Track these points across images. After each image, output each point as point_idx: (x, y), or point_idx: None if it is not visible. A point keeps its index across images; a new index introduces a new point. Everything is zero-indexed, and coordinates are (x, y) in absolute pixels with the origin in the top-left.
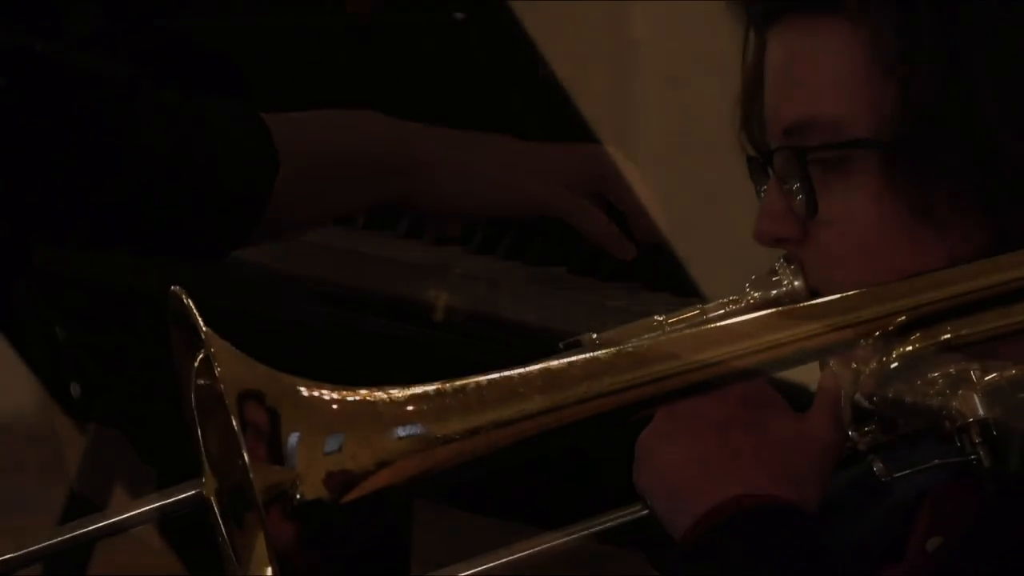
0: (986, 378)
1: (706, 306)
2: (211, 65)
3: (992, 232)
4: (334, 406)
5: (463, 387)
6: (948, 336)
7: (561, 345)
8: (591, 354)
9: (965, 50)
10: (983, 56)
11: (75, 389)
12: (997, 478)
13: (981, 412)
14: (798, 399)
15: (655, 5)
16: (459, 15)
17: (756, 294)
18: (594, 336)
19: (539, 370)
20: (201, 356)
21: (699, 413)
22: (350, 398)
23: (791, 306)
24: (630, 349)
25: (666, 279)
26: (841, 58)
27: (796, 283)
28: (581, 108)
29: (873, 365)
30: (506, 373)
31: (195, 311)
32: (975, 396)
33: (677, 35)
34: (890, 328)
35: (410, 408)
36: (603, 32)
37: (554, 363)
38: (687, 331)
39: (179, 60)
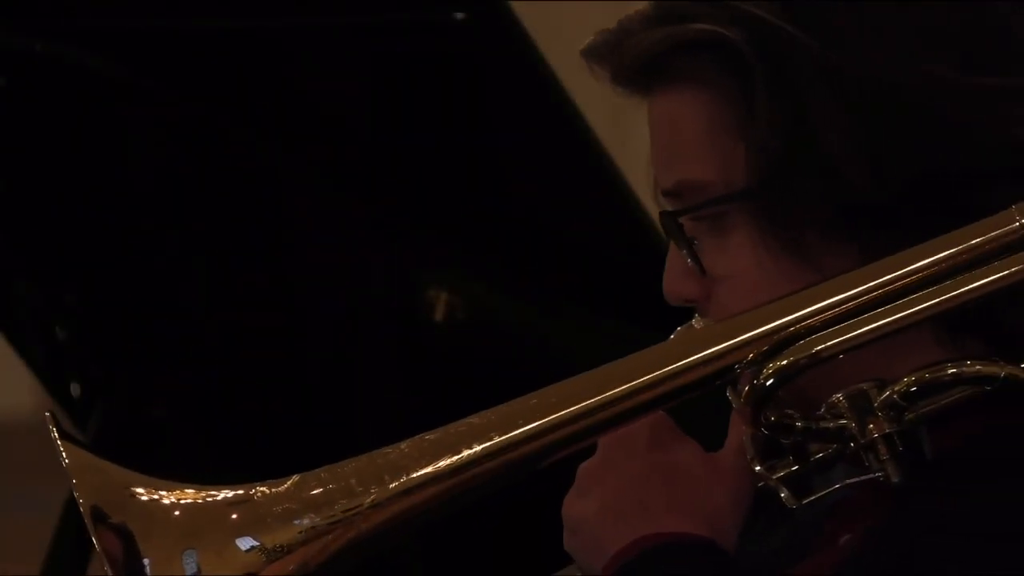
0: (882, 396)
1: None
2: (211, 65)
3: (858, 257)
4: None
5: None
6: (819, 348)
7: None
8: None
9: (802, 97)
10: (821, 100)
11: (75, 389)
12: (903, 486)
13: (885, 428)
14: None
15: None
16: (459, 15)
17: None
18: None
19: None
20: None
21: (610, 468)
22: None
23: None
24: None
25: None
26: (695, 124)
27: None
28: (581, 108)
29: (747, 386)
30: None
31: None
32: (876, 413)
33: None
34: (763, 350)
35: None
36: None
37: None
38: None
39: (179, 60)
